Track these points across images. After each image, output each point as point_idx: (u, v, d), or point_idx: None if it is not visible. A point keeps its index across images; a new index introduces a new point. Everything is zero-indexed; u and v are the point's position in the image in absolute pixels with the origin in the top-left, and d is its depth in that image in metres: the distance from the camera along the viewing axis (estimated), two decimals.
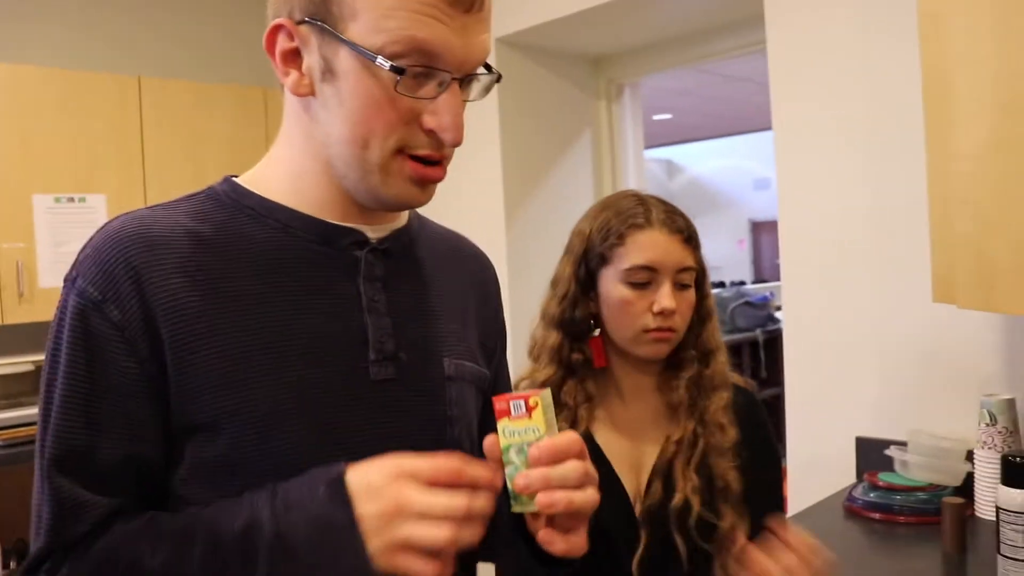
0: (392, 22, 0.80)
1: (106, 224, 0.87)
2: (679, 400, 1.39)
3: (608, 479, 1.33)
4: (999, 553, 1.42)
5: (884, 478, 1.99)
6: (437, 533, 0.74)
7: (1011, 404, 1.87)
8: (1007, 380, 1.96)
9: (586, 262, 1.40)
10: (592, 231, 1.39)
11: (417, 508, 0.74)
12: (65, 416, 0.81)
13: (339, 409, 0.86)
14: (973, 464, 1.91)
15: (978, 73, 1.46)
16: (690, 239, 1.38)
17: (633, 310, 1.34)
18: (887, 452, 2.04)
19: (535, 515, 0.86)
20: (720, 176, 11.60)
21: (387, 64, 0.80)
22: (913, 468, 1.97)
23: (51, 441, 0.82)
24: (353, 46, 0.81)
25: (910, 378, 2.13)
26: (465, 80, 0.86)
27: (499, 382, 1.11)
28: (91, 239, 0.86)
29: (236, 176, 0.95)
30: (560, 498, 0.80)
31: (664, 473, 1.35)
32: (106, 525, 0.81)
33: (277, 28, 0.86)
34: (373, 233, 0.94)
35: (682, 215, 1.40)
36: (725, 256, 10.56)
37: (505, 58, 3.13)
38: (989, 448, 1.86)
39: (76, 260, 0.86)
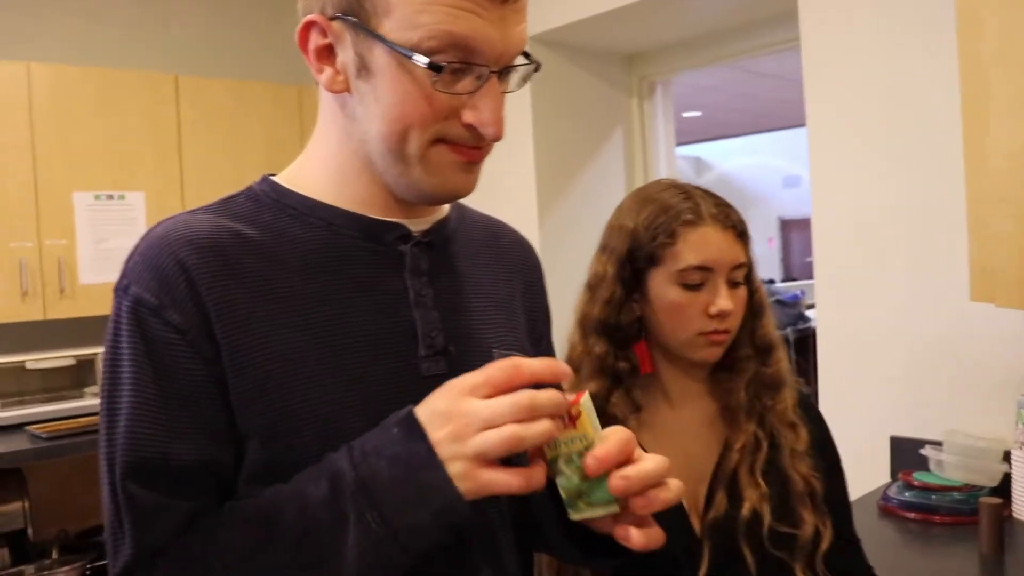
0: (427, 16, 0.78)
1: (149, 231, 0.86)
2: (738, 403, 1.29)
3: None
4: None
5: (919, 477, 1.99)
6: (508, 435, 0.72)
7: None
8: None
9: (631, 262, 1.29)
10: (638, 228, 1.28)
11: (482, 417, 0.73)
12: (137, 424, 0.79)
13: (395, 406, 0.81)
14: (1010, 465, 1.90)
15: (1016, 71, 1.46)
16: (742, 233, 1.29)
17: (688, 313, 1.25)
18: (922, 451, 2.03)
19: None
20: (749, 173, 11.52)
21: (424, 61, 0.78)
22: (949, 468, 1.97)
23: (123, 450, 0.80)
24: (388, 43, 0.80)
25: (944, 378, 2.12)
26: (504, 72, 0.84)
27: None
28: (137, 246, 0.84)
29: (274, 175, 0.95)
30: (656, 496, 0.79)
31: (728, 482, 1.25)
32: (190, 526, 0.80)
33: (310, 24, 0.85)
34: (415, 226, 0.93)
35: (732, 207, 1.31)
36: (755, 252, 10.50)
37: (538, 56, 3.09)
38: None
39: (124, 269, 0.84)
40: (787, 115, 7.90)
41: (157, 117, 3.25)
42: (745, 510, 1.22)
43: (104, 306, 3.09)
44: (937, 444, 2.03)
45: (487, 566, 0.91)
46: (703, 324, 1.25)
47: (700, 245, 1.25)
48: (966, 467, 1.94)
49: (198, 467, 0.80)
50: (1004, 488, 1.90)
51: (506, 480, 0.73)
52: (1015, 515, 1.86)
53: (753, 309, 1.32)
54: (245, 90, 3.47)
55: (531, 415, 0.72)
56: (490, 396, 0.74)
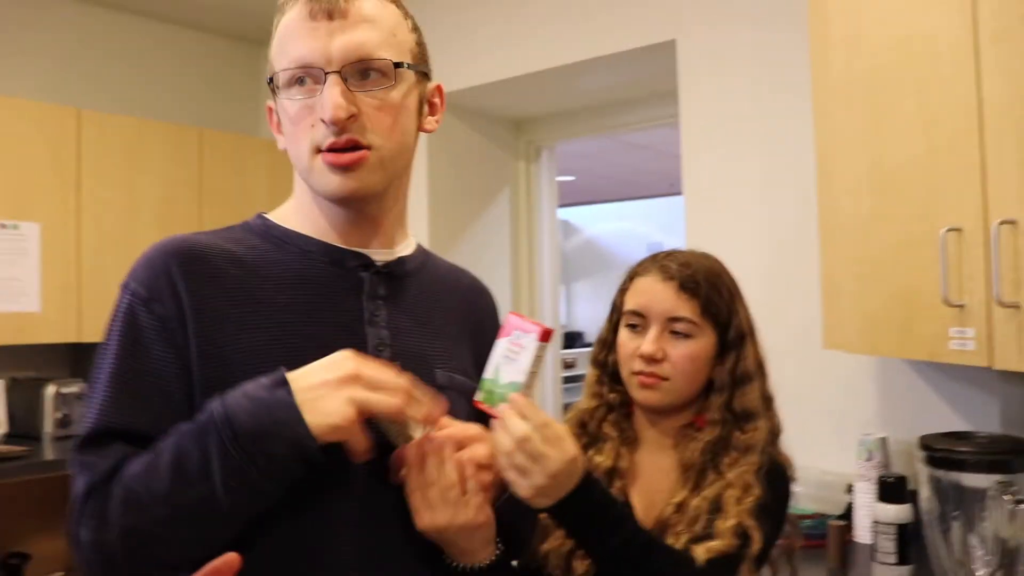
0: (273, 52, 1.03)
1: (157, 242, 1.04)
2: (691, 461, 1.32)
3: None
4: (874, 561, 1.67)
5: None
6: (390, 400, 0.91)
7: (884, 442, 2.15)
8: (880, 420, 2.26)
9: (614, 312, 1.43)
10: (620, 284, 1.43)
11: (370, 376, 0.91)
12: (110, 390, 0.96)
13: None
14: (852, 495, 2.18)
15: (857, 155, 1.76)
16: (688, 289, 1.33)
17: (626, 352, 1.36)
18: None
19: None
20: (615, 239, 12.00)
21: (277, 81, 1.02)
22: (802, 498, 2.23)
23: (95, 413, 0.95)
24: (270, 83, 1.04)
25: (799, 418, 2.38)
26: (353, 75, 0.99)
27: None
28: (144, 252, 1.03)
29: (266, 213, 1.13)
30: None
31: (659, 533, 1.26)
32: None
33: (269, 109, 1.09)
34: (379, 257, 1.09)
35: (685, 264, 1.35)
36: None
37: None
38: (866, 481, 2.13)
39: (131, 269, 1.02)
40: (654, 185, 8.29)
41: (57, 149, 3.26)
42: None
43: None
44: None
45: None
46: (634, 364, 1.34)
47: (638, 292, 1.36)
48: (816, 498, 2.21)
49: (147, 433, 0.94)
50: (848, 515, 2.17)
51: (361, 441, 0.92)
52: (856, 539, 2.13)
53: (735, 377, 1.34)
54: (146, 128, 3.52)
55: (409, 401, 0.93)
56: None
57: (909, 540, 1.74)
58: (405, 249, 1.16)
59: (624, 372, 1.37)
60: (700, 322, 1.32)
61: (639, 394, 1.35)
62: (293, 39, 1.00)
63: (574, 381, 6.28)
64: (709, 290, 1.34)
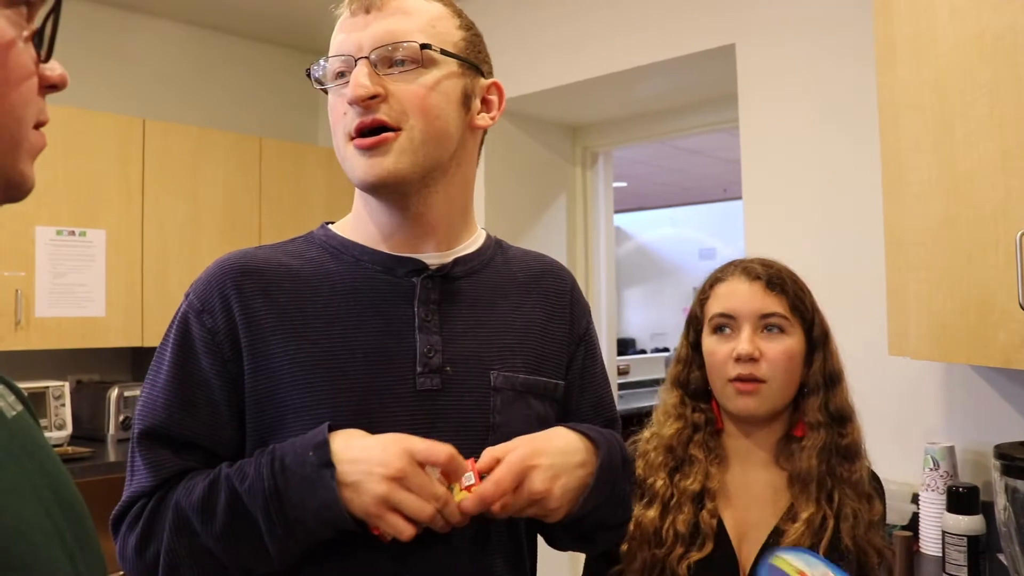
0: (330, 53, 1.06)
1: (223, 255, 1.08)
2: (808, 471, 1.28)
3: (724, 551, 1.29)
4: (944, 572, 1.63)
5: None
6: (425, 509, 0.91)
7: (951, 451, 2.10)
8: (946, 429, 2.21)
9: (693, 326, 1.40)
10: (697, 296, 1.41)
11: (414, 481, 0.91)
12: (167, 394, 1.01)
13: (387, 414, 1.00)
14: (918, 505, 2.14)
15: (929, 159, 1.72)
16: (776, 286, 1.33)
17: (718, 358, 1.32)
18: None
19: None
20: (667, 245, 11.95)
21: (315, 73, 1.06)
22: None
23: (142, 415, 1.02)
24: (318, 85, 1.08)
25: (863, 427, 2.36)
26: (383, 59, 1.01)
27: (586, 387, 1.20)
28: (209, 265, 1.07)
29: (332, 223, 1.15)
30: None
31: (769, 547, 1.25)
32: (179, 477, 1.00)
33: None
34: (433, 260, 1.08)
35: (767, 265, 1.36)
36: (670, 322, 10.87)
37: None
38: (932, 490, 2.09)
39: (195, 280, 1.07)
40: (707, 190, 8.25)
41: (123, 158, 3.34)
42: None
43: (57, 341, 3.15)
44: None
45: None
46: (729, 370, 1.30)
47: (725, 296, 1.35)
48: None
49: (195, 439, 1.01)
50: (913, 525, 2.13)
51: (404, 528, 0.91)
52: (922, 549, 2.09)
53: (827, 377, 1.34)
54: (208, 137, 3.59)
55: (432, 502, 0.92)
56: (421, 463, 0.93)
57: (981, 552, 1.70)
58: (470, 247, 1.14)
59: (717, 383, 1.34)
60: (791, 318, 1.32)
61: (737, 403, 1.31)
62: (336, 37, 1.05)
63: (627, 388, 6.29)
64: (795, 287, 1.34)
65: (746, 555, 1.29)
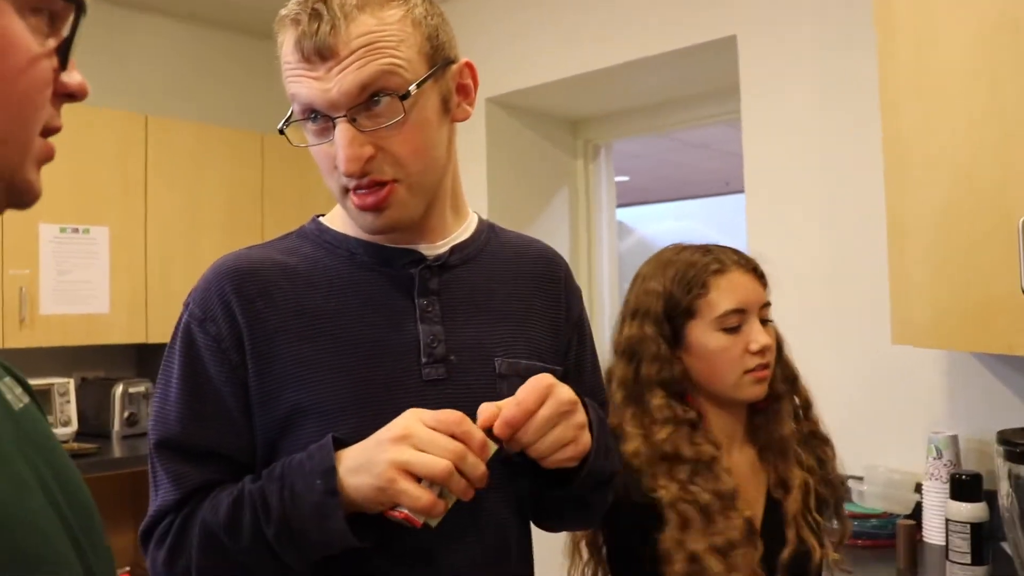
0: (284, 77, 1.00)
1: (214, 262, 1.08)
2: (788, 435, 1.36)
3: (751, 538, 1.31)
4: (947, 559, 1.63)
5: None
6: (438, 463, 0.88)
7: (954, 440, 2.11)
8: (949, 417, 2.21)
9: (669, 320, 1.36)
10: (668, 287, 1.36)
11: (422, 437, 0.89)
12: (176, 408, 1.01)
13: (394, 405, 0.98)
14: (922, 494, 2.14)
15: (931, 147, 1.72)
16: (762, 275, 1.38)
17: (732, 354, 1.33)
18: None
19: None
20: (669, 239, 11.88)
21: (284, 126, 1.04)
22: (869, 498, 2.20)
23: (155, 428, 1.02)
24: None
25: (866, 417, 2.36)
26: (361, 112, 0.96)
27: (583, 371, 1.20)
28: (205, 271, 1.07)
29: (323, 215, 1.14)
30: None
31: (793, 521, 1.32)
32: (203, 491, 1.00)
33: None
34: (429, 251, 1.08)
35: (741, 253, 1.41)
36: None
37: (493, 117, 3.38)
38: (936, 479, 2.09)
39: (192, 288, 1.06)
40: (710, 184, 8.23)
41: (125, 155, 3.34)
42: (815, 549, 1.33)
43: (62, 338, 3.16)
44: (859, 478, 2.26)
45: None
46: (747, 362, 1.32)
47: (731, 290, 1.34)
48: (884, 496, 2.18)
49: (212, 449, 1.01)
50: (916, 515, 2.13)
51: (417, 495, 0.89)
52: (925, 539, 2.09)
53: (779, 345, 1.41)
54: (210, 134, 3.59)
55: (461, 465, 0.90)
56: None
57: (984, 539, 1.70)
58: (463, 233, 1.13)
59: (728, 376, 1.34)
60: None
61: (754, 390, 1.34)
62: (293, 80, 0.98)
63: None
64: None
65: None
